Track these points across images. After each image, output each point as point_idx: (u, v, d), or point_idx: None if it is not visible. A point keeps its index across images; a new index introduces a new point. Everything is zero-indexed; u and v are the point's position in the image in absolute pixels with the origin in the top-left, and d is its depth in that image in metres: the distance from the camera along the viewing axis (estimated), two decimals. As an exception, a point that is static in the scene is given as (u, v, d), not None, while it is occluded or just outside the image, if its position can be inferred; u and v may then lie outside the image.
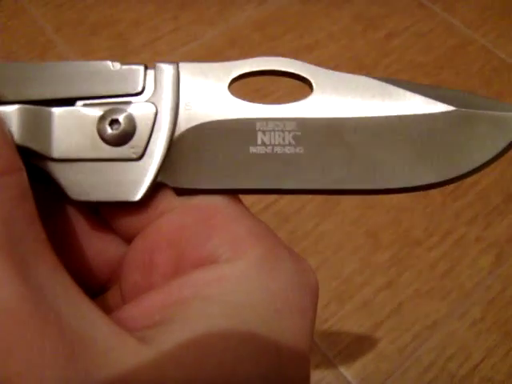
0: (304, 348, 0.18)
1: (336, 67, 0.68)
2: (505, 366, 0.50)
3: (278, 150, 0.20)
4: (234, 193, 0.20)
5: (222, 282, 0.18)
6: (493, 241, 0.56)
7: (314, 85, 0.20)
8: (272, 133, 0.20)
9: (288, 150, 0.20)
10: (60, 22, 0.71)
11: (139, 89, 0.20)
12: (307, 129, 0.20)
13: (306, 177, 0.20)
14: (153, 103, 0.20)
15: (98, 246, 0.22)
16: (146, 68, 0.20)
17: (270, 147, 0.20)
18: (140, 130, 0.19)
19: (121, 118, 0.19)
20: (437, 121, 0.20)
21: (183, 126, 0.20)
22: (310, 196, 0.57)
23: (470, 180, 0.60)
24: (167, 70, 0.20)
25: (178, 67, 0.20)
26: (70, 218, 0.21)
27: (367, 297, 0.53)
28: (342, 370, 0.49)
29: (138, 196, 0.19)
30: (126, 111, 0.19)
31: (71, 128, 0.19)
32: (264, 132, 0.20)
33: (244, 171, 0.20)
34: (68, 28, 0.70)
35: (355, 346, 0.51)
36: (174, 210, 0.20)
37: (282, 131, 0.20)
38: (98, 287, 0.22)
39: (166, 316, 0.17)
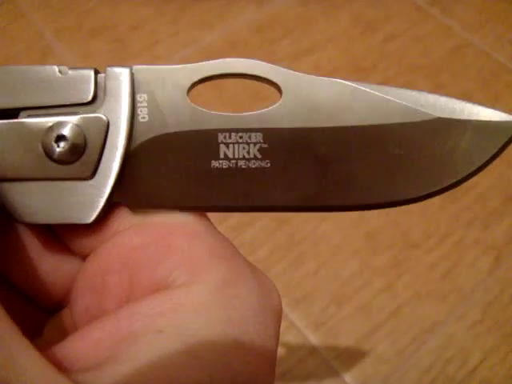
0: (265, 379, 0.17)
1: (334, 70, 0.68)
2: (503, 367, 0.50)
3: (242, 164, 0.18)
4: (196, 210, 0.19)
5: (178, 313, 0.16)
6: (491, 243, 0.56)
7: (283, 90, 0.18)
8: (236, 145, 0.18)
9: (253, 164, 0.18)
10: (59, 26, 0.71)
11: (89, 97, 0.18)
12: (274, 141, 0.18)
13: (274, 193, 0.18)
14: (104, 114, 0.17)
15: (51, 263, 0.20)
16: (97, 73, 0.18)
17: (233, 161, 0.18)
18: (91, 145, 0.17)
19: (68, 132, 0.17)
20: (416, 130, 0.18)
21: (139, 138, 0.18)
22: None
23: (468, 182, 0.59)
24: (120, 75, 0.18)
25: (132, 72, 0.18)
26: (21, 234, 0.20)
27: (366, 299, 0.53)
28: (341, 372, 0.49)
29: (91, 218, 0.18)
30: (74, 124, 0.17)
31: (13, 144, 0.17)
32: (227, 145, 0.18)
33: (206, 187, 0.18)
34: (67, 32, 0.70)
35: (354, 349, 0.51)
36: (129, 229, 0.18)
37: (247, 143, 0.18)
38: (53, 305, 0.21)
39: (114, 353, 0.15)
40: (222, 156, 0.18)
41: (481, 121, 0.19)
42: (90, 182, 0.18)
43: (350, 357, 0.50)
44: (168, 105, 0.18)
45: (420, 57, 0.70)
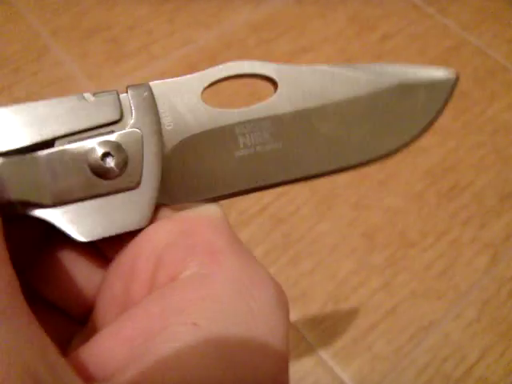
0: (284, 378, 0.18)
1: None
2: (500, 366, 0.50)
3: (259, 148, 0.21)
4: (227, 197, 0.21)
5: (207, 303, 0.17)
6: (488, 241, 0.57)
7: (278, 82, 0.21)
8: (251, 134, 0.21)
9: (268, 147, 0.21)
10: (55, 26, 0.71)
11: (118, 116, 0.19)
12: (281, 124, 0.21)
13: (289, 168, 0.22)
14: (137, 128, 0.19)
15: (86, 274, 0.21)
16: (118, 94, 0.19)
17: (252, 148, 0.21)
18: (132, 157, 0.19)
19: (111, 149, 0.19)
20: (385, 95, 0.22)
21: (169, 144, 0.20)
22: (305, 198, 0.57)
23: (465, 181, 0.60)
24: (140, 92, 0.20)
25: (150, 88, 0.20)
26: (55, 247, 0.21)
27: (363, 298, 0.53)
28: (338, 371, 0.49)
29: (145, 222, 0.19)
30: (114, 141, 0.19)
31: (61, 170, 0.18)
32: (244, 135, 0.21)
33: (234, 175, 0.21)
34: (63, 32, 0.70)
35: (351, 348, 0.51)
36: (158, 221, 0.20)
37: (260, 130, 0.21)
38: (83, 316, 0.22)
39: (150, 349, 0.16)
40: (241, 145, 0.21)
41: (430, 79, 0.22)
42: (138, 190, 0.19)
43: (347, 355, 0.50)
44: (187, 110, 0.20)
45: (416, 56, 0.70)
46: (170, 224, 0.19)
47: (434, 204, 0.58)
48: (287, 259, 0.54)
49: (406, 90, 0.22)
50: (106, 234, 0.19)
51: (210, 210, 0.20)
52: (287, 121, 0.21)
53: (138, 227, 0.19)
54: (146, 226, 0.19)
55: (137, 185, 0.19)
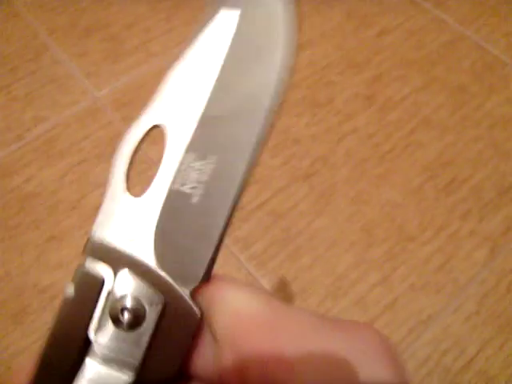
0: None
1: (328, 65, 0.68)
2: (499, 358, 0.50)
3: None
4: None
5: None
6: (487, 235, 0.57)
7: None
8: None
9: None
10: (53, 25, 0.71)
11: None
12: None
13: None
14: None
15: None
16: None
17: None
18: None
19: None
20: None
21: None
22: (304, 193, 0.58)
23: (463, 175, 0.60)
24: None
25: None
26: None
27: (362, 292, 0.53)
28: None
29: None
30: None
31: None
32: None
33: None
34: (61, 31, 0.71)
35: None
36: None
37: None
38: None
39: None
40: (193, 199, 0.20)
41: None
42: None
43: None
44: None
45: (414, 50, 0.70)
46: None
47: (432, 198, 0.58)
48: (286, 254, 0.55)
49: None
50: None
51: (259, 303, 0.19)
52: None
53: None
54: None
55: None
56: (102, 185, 0.58)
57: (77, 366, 0.19)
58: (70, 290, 0.19)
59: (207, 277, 0.20)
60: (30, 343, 0.49)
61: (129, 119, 0.63)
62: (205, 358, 0.21)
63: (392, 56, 0.69)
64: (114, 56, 0.68)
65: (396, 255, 0.55)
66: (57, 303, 0.51)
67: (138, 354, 0.19)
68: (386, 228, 0.57)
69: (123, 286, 0.19)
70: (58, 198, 0.57)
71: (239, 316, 0.19)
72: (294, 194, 0.58)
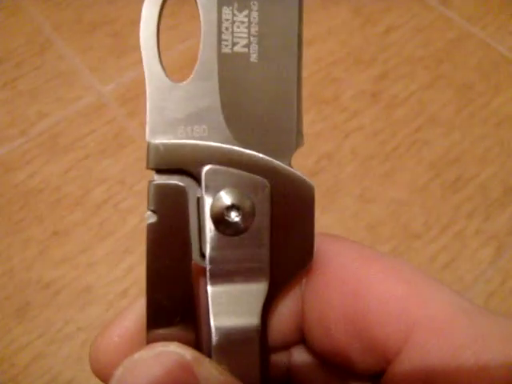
0: None
1: (334, 62, 0.68)
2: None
3: None
4: None
5: None
6: (493, 233, 0.56)
7: None
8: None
9: None
10: (58, 20, 0.71)
11: None
12: None
13: None
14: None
15: None
16: None
17: None
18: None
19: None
20: None
21: None
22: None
23: (469, 173, 0.60)
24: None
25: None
26: None
27: (367, 290, 0.53)
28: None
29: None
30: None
31: None
32: None
33: None
34: (66, 26, 0.70)
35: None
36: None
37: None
38: None
39: None
40: None
41: None
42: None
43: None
44: None
45: (420, 48, 0.70)
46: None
47: (438, 196, 0.58)
48: (291, 252, 0.54)
49: None
50: None
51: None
52: None
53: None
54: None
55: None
56: (106, 180, 0.58)
57: (195, 298, 0.16)
58: (151, 215, 0.16)
59: (301, 141, 0.17)
60: (33, 339, 0.49)
61: (133, 115, 0.62)
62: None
63: (398, 53, 0.69)
64: (119, 51, 0.68)
65: (401, 253, 0.55)
66: (60, 299, 0.51)
67: (263, 254, 0.16)
68: (392, 226, 0.56)
69: (214, 184, 0.16)
70: (62, 193, 0.57)
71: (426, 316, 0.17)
72: (299, 191, 0.57)
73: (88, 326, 0.50)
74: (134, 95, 0.64)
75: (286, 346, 0.20)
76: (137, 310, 0.18)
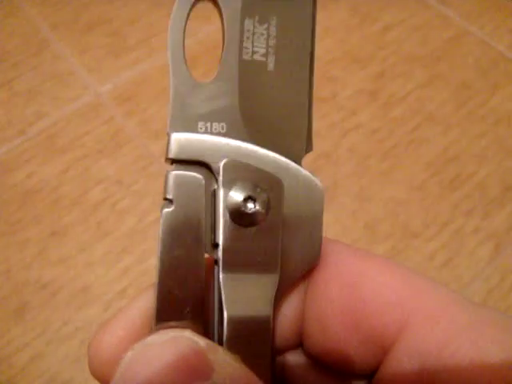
0: None
1: (332, 60, 0.68)
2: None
3: None
4: None
5: None
6: (491, 231, 0.56)
7: None
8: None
9: None
10: (55, 20, 0.71)
11: None
12: None
13: None
14: None
15: None
16: None
17: None
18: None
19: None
20: None
21: None
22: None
23: (467, 171, 0.60)
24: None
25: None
26: None
27: (365, 289, 0.53)
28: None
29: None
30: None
31: None
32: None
33: None
34: (63, 26, 0.70)
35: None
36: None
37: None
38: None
39: None
40: None
41: None
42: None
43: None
44: None
45: (418, 46, 0.70)
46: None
47: (436, 194, 0.58)
48: (289, 251, 0.54)
49: None
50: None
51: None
52: None
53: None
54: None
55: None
56: (103, 180, 0.58)
57: (206, 290, 0.17)
58: (167, 204, 0.16)
59: (310, 147, 0.18)
60: (31, 339, 0.49)
61: (131, 114, 0.62)
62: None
63: (396, 52, 0.69)
64: (117, 51, 0.68)
65: (400, 252, 0.55)
66: (58, 299, 0.51)
67: (275, 248, 0.17)
68: (390, 224, 0.56)
69: (231, 176, 0.17)
70: (60, 193, 0.57)
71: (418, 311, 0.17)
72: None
73: (86, 326, 0.50)
74: (132, 95, 0.64)
75: (283, 351, 0.20)
76: (141, 303, 0.18)
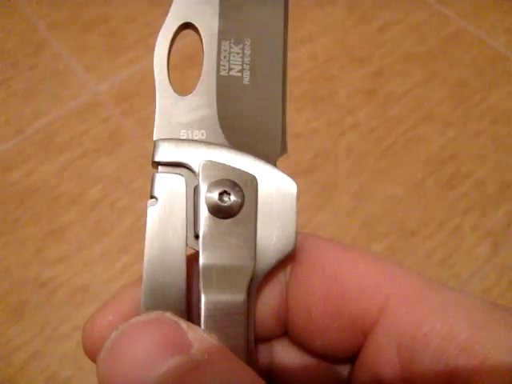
0: None
1: (329, 59, 0.68)
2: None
3: None
4: None
5: None
6: (489, 230, 0.56)
7: None
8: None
9: None
10: (53, 19, 0.71)
11: None
12: None
13: None
14: None
15: None
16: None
17: None
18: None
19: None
20: None
21: None
22: (305, 188, 0.57)
23: (465, 170, 0.60)
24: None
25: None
26: None
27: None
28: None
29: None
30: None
31: None
32: None
33: None
34: (61, 26, 0.70)
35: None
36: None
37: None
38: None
39: None
40: None
41: None
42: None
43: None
44: None
45: (415, 45, 0.70)
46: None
47: (434, 193, 0.58)
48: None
49: None
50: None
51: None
52: None
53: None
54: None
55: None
56: (101, 179, 0.58)
57: (187, 277, 0.19)
58: (152, 201, 0.19)
59: (285, 150, 0.20)
60: (29, 338, 0.49)
61: (129, 113, 0.62)
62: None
63: (393, 50, 0.69)
64: (114, 50, 0.68)
65: (398, 250, 0.55)
66: (57, 297, 0.51)
67: (250, 238, 0.19)
68: (388, 223, 0.56)
69: (209, 174, 0.19)
70: (58, 192, 0.57)
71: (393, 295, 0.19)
72: (295, 189, 0.57)
73: (85, 325, 0.50)
74: (129, 94, 0.64)
75: (269, 338, 0.22)
76: (131, 292, 0.20)
